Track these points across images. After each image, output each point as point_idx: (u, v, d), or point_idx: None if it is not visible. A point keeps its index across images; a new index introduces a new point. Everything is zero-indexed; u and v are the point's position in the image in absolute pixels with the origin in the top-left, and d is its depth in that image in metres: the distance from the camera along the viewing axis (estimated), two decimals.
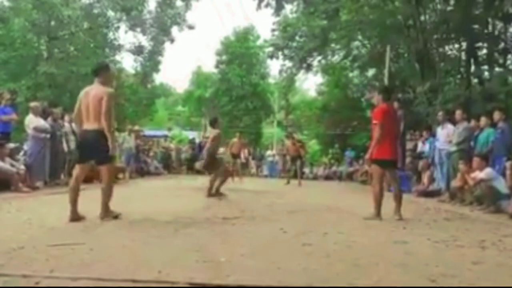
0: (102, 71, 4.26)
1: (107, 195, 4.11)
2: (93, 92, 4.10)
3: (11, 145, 7.61)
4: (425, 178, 8.54)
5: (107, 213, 4.10)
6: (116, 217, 4.13)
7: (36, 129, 7.43)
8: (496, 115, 6.83)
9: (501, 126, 6.68)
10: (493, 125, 6.95)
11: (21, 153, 8.13)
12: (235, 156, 12.42)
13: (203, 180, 11.88)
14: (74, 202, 3.98)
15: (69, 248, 2.81)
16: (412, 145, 9.83)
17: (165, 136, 18.88)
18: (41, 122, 7.57)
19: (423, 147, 9.47)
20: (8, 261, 2.45)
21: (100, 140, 3.98)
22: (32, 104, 8.01)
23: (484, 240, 3.61)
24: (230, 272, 2.35)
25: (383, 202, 4.78)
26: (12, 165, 6.80)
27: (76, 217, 3.96)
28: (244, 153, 14.29)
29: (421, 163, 8.95)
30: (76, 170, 4.16)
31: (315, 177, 16.32)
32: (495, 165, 6.42)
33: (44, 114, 7.93)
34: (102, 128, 3.98)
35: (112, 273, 2.25)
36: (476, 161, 6.34)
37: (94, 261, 2.51)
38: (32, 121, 7.48)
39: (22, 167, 7.00)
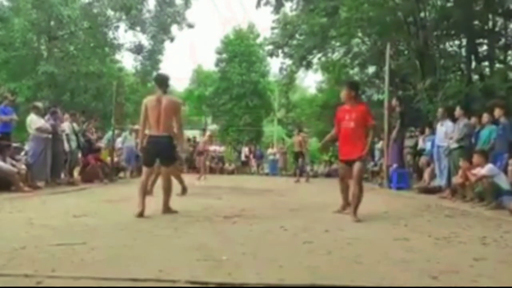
0: (167, 82, 4.72)
1: (167, 193, 4.63)
2: (165, 102, 4.50)
3: (13, 145, 7.63)
4: (426, 175, 8.54)
5: (167, 210, 4.63)
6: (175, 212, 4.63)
7: (39, 129, 7.44)
8: (497, 112, 6.81)
9: (503, 123, 6.66)
10: (495, 122, 6.94)
11: (22, 153, 8.14)
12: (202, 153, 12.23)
13: (206, 178, 11.94)
14: (143, 196, 4.37)
15: (70, 247, 2.81)
16: (413, 142, 9.82)
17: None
18: (43, 122, 7.58)
19: (423, 144, 9.47)
20: (10, 260, 2.46)
21: (170, 145, 4.58)
22: (35, 104, 8.03)
23: (486, 236, 3.61)
24: (231, 270, 2.35)
25: (387, 200, 4.78)
26: (13, 165, 6.80)
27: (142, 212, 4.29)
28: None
29: (422, 160, 8.95)
30: (144, 173, 4.68)
31: (316, 175, 16.33)
32: (496, 162, 6.41)
33: (45, 114, 7.95)
34: (171, 134, 4.58)
35: (113, 272, 2.26)
36: (476, 157, 6.33)
37: (95, 260, 2.52)
38: (34, 122, 7.48)
39: (23, 167, 7.01)
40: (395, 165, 9.28)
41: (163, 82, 4.67)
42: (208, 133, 13.25)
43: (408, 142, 9.86)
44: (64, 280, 2.14)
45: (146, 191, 4.53)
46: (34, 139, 7.54)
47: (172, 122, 4.57)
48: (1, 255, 2.56)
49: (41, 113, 7.73)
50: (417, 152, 9.57)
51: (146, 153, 4.75)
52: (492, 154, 6.58)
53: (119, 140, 11.34)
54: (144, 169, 4.71)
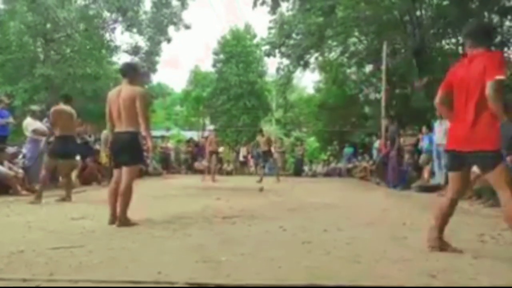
0: (130, 71, 4.15)
1: (126, 197, 3.92)
2: (123, 93, 3.99)
3: (10, 149, 7.60)
4: (425, 173, 8.56)
5: (124, 221, 3.90)
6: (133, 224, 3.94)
7: (35, 131, 7.42)
8: None
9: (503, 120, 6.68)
10: None
11: (20, 156, 8.11)
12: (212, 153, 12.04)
13: (204, 179, 11.92)
14: (113, 205, 3.96)
15: (68, 251, 2.80)
16: (413, 140, 9.82)
17: (162, 137, 18.87)
18: (39, 125, 7.56)
19: (421, 143, 9.48)
20: (8, 264, 2.44)
21: (131, 142, 3.97)
22: (31, 107, 8.02)
23: (484, 234, 3.62)
24: (231, 271, 2.34)
25: (385, 199, 4.77)
26: (10, 169, 6.78)
27: (114, 219, 3.93)
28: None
29: (421, 158, 8.96)
30: (116, 174, 4.09)
31: (314, 174, 16.33)
32: None
33: (43, 117, 7.93)
34: (135, 130, 3.98)
35: (112, 275, 2.25)
36: None
37: (93, 263, 2.51)
38: (31, 124, 7.47)
39: (20, 170, 6.99)
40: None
41: (125, 71, 4.14)
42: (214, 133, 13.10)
43: (409, 141, 9.88)
44: (62, 283, 2.13)
45: (116, 198, 3.96)
46: (31, 142, 7.53)
47: (136, 116, 3.93)
48: None
49: (38, 116, 7.71)
50: (417, 151, 9.58)
51: (111, 154, 4.34)
52: None
53: None
54: (114, 172, 4.14)
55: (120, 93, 4.01)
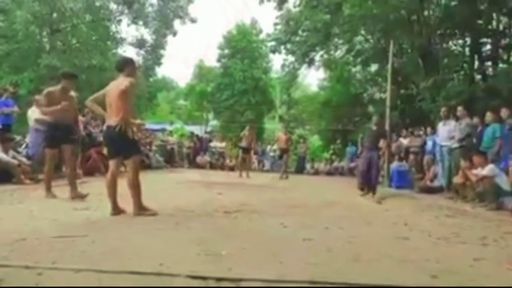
0: (127, 66, 4.13)
1: (134, 189, 3.99)
2: (111, 86, 4.02)
3: (15, 137, 7.63)
4: (429, 174, 8.54)
5: (140, 210, 3.99)
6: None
7: (38, 120, 7.43)
8: (504, 112, 6.80)
9: (510, 122, 6.65)
10: (499, 121, 6.91)
11: (23, 145, 8.14)
12: (247, 150, 12.24)
13: (206, 174, 11.95)
14: (113, 197, 3.98)
15: (71, 240, 2.82)
16: (419, 142, 9.78)
17: (163, 130, 18.89)
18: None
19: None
20: (11, 252, 2.46)
21: (120, 134, 3.90)
22: (37, 96, 8.00)
23: (486, 237, 3.61)
24: (232, 265, 2.35)
25: (387, 199, 4.77)
26: (14, 157, 6.81)
27: (117, 211, 3.97)
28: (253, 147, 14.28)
29: (425, 159, 8.92)
30: (110, 166, 4.11)
31: (317, 172, 16.32)
32: (500, 162, 6.40)
33: None
34: (124, 121, 3.90)
35: (114, 265, 2.26)
36: (475, 158, 6.32)
37: (96, 253, 2.53)
38: (35, 113, 7.47)
39: (25, 160, 7.01)
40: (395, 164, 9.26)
41: (118, 66, 4.15)
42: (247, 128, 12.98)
43: (414, 142, 9.84)
44: (65, 272, 2.14)
45: (115, 190, 3.98)
46: (33, 131, 7.53)
47: (124, 107, 3.87)
48: (2, 246, 2.56)
49: (42, 105, 7.70)
50: (422, 152, 9.54)
51: (105, 146, 4.33)
52: (497, 153, 6.57)
53: None
54: (110, 164, 4.15)
55: (113, 85, 4.05)
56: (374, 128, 7.38)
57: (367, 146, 7.32)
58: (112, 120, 3.97)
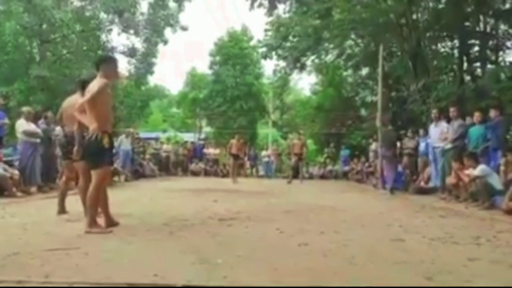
0: (102, 64, 3.79)
1: (91, 201, 3.67)
2: (89, 89, 3.69)
3: (4, 151, 7.54)
4: (424, 176, 8.60)
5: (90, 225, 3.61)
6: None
7: (25, 133, 7.34)
8: (492, 113, 6.90)
9: (496, 119, 6.76)
10: (485, 121, 7.03)
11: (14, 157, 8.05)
12: (235, 156, 13.03)
13: (200, 181, 11.92)
14: (104, 209, 3.84)
15: (64, 252, 2.79)
16: (413, 143, 9.85)
17: (156, 138, 18.83)
18: (32, 126, 7.46)
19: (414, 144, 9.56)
20: (3, 267, 2.43)
21: (90, 142, 3.64)
22: (24, 108, 7.91)
23: (479, 236, 3.64)
24: (227, 273, 2.34)
25: (382, 201, 4.79)
26: (6, 170, 6.73)
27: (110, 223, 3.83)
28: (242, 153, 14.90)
29: (419, 161, 8.98)
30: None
31: (311, 177, 16.36)
32: (490, 161, 6.47)
33: (39, 118, 7.86)
34: (94, 127, 3.60)
35: (108, 277, 2.24)
36: (466, 160, 6.39)
37: (89, 265, 2.49)
38: (22, 125, 7.39)
39: (16, 172, 6.94)
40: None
41: (95, 63, 3.90)
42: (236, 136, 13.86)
43: (408, 144, 9.91)
44: (58, 286, 2.11)
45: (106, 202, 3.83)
46: (22, 144, 7.43)
47: (93, 114, 3.63)
48: None
49: (31, 118, 7.60)
50: (417, 154, 9.61)
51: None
52: (486, 152, 6.67)
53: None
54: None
55: (89, 88, 3.72)
56: (389, 127, 7.80)
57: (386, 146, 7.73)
58: (88, 129, 3.70)
